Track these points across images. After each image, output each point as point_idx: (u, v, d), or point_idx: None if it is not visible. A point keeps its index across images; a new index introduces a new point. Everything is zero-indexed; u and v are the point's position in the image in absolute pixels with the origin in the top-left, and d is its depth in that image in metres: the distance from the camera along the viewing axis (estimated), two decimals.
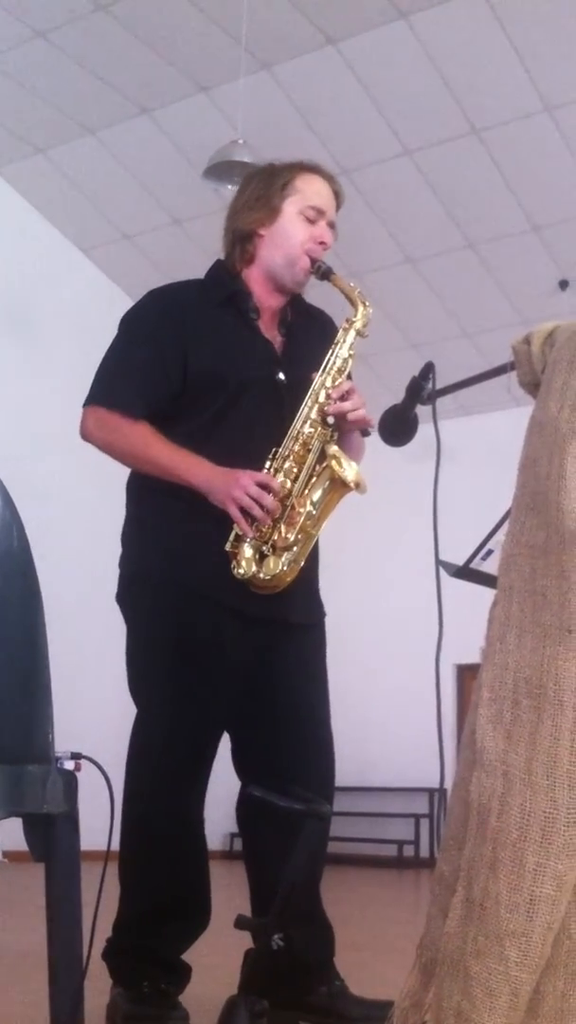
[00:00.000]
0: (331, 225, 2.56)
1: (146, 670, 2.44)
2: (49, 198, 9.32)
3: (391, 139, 7.95)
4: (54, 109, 8.35)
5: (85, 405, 2.47)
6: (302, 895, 2.25)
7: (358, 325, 2.49)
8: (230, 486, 2.31)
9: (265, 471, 2.36)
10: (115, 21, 7.39)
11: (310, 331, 2.60)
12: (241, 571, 2.32)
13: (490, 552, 2.18)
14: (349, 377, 2.50)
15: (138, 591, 2.46)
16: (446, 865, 1.46)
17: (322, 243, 2.52)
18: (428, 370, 2.23)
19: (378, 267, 8.85)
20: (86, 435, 2.47)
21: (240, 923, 2.07)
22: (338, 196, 2.59)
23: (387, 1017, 1.52)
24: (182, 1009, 2.28)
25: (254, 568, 2.33)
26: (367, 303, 2.51)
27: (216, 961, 2.53)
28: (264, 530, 2.34)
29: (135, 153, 8.66)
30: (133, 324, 2.53)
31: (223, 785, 2.46)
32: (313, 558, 2.47)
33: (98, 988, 2.26)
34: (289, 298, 2.59)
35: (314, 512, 2.37)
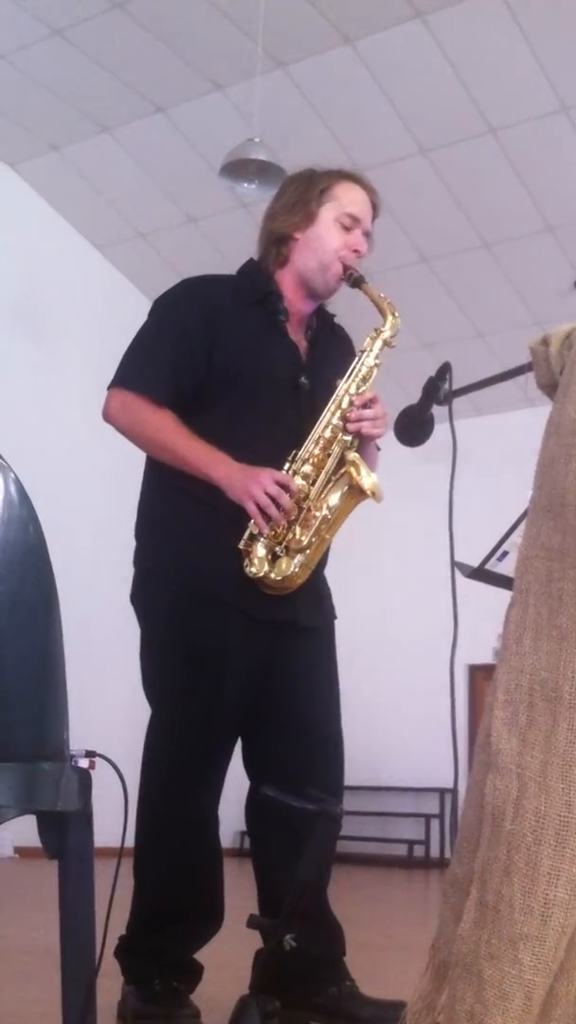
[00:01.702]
0: (366, 234, 2.56)
1: (158, 670, 2.45)
2: (64, 195, 9.34)
3: (406, 138, 7.94)
4: (70, 107, 8.37)
5: (110, 387, 2.48)
6: (313, 895, 2.26)
7: (386, 335, 2.50)
8: (249, 482, 2.31)
9: (284, 472, 2.36)
10: (131, 19, 7.40)
11: (332, 342, 2.62)
12: (253, 570, 2.33)
13: (505, 554, 2.18)
14: None
15: (151, 590, 2.47)
16: (460, 867, 1.46)
17: (356, 251, 2.53)
18: (445, 370, 2.24)
19: (392, 266, 8.84)
20: (108, 417, 2.47)
21: (252, 922, 2.07)
22: (375, 207, 2.60)
23: (399, 1018, 1.52)
24: (193, 1007, 2.28)
25: (266, 568, 2.33)
26: (396, 313, 2.51)
27: (227, 960, 2.54)
28: (279, 531, 2.34)
29: (151, 151, 8.67)
30: (164, 310, 2.53)
31: (233, 784, 2.46)
32: (321, 562, 2.47)
33: (110, 986, 2.27)
34: (317, 306, 2.60)
35: (329, 516, 2.38)
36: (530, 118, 7.56)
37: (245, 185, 6.59)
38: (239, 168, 6.47)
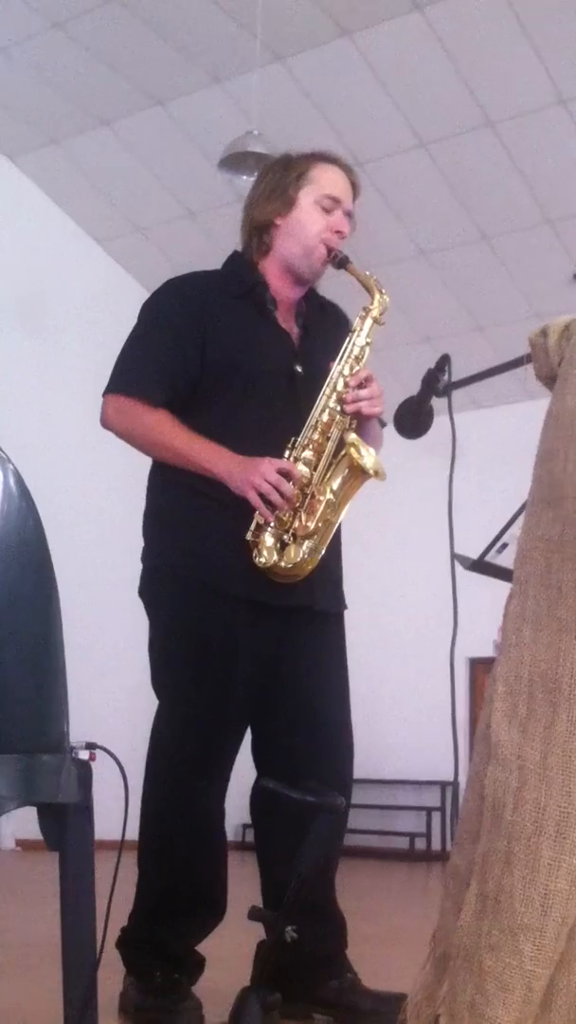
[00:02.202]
0: (348, 215, 2.55)
1: (165, 664, 2.45)
2: (63, 189, 9.32)
3: (405, 131, 7.92)
4: (69, 100, 8.35)
5: (105, 393, 2.48)
6: (315, 888, 2.26)
7: (375, 313, 2.50)
8: (249, 473, 2.31)
9: (285, 459, 2.36)
10: (130, 12, 7.38)
11: (324, 324, 2.61)
12: (263, 559, 2.32)
13: (505, 545, 2.18)
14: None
15: (158, 586, 2.47)
16: (460, 859, 1.46)
17: (339, 232, 2.52)
18: (444, 362, 2.23)
19: (391, 259, 8.83)
20: (106, 423, 2.47)
21: (254, 914, 2.07)
22: (355, 186, 2.58)
23: (399, 1010, 1.52)
24: (195, 1000, 2.28)
25: (275, 557, 2.33)
26: (383, 291, 2.51)
27: (229, 952, 2.54)
28: (284, 518, 2.34)
29: (149, 144, 8.66)
30: (152, 313, 2.53)
31: (236, 776, 2.46)
32: (335, 547, 2.47)
33: (111, 978, 2.27)
34: (305, 290, 2.59)
35: (334, 500, 2.38)
36: (528, 111, 7.55)
37: (244, 178, 6.57)
38: (238, 161, 6.46)
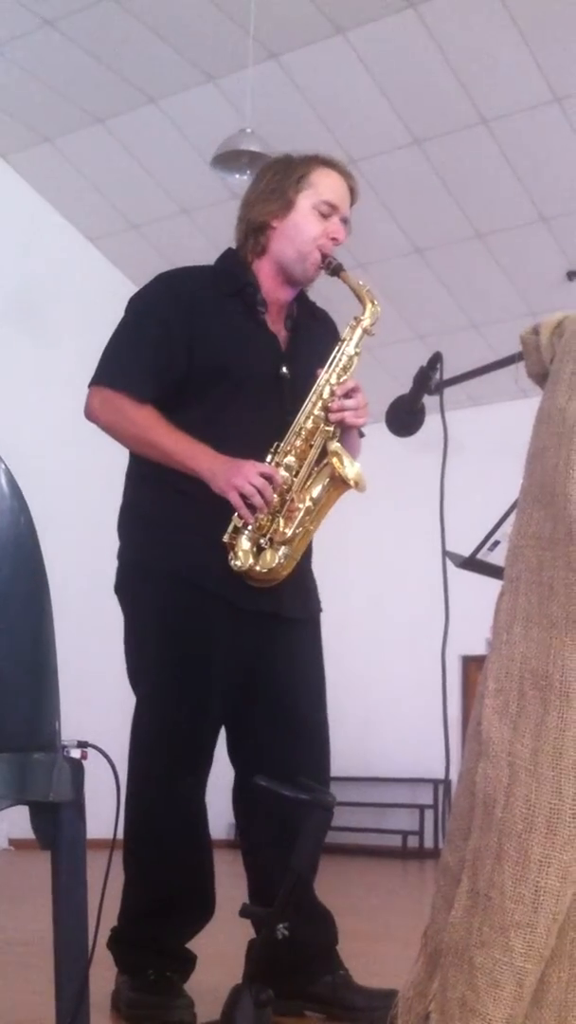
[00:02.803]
0: (344, 221, 2.55)
1: (141, 660, 2.45)
2: (57, 187, 9.31)
3: (399, 129, 7.92)
4: (62, 98, 8.34)
5: (91, 384, 2.47)
6: (306, 885, 2.26)
7: (366, 323, 2.49)
8: (232, 474, 2.31)
9: (267, 464, 2.36)
10: (123, 10, 7.37)
11: (314, 330, 2.60)
12: (238, 563, 2.33)
13: (497, 543, 2.18)
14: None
15: (133, 580, 2.47)
16: (451, 856, 1.46)
17: (334, 239, 2.51)
18: (436, 360, 2.23)
19: (385, 257, 8.83)
20: (90, 415, 2.47)
21: (245, 912, 2.07)
22: (353, 192, 2.58)
23: (391, 1007, 1.53)
24: (187, 997, 2.28)
25: (251, 561, 2.33)
26: (376, 301, 2.50)
27: (221, 950, 2.54)
28: (263, 522, 2.34)
29: (143, 142, 8.65)
30: (140, 306, 2.52)
31: (226, 775, 2.46)
32: (306, 554, 2.47)
33: (103, 976, 2.27)
34: (297, 293, 2.59)
35: (312, 507, 2.38)
36: (523, 108, 7.56)
37: (237, 176, 6.58)
38: (231, 159, 6.46)
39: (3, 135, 8.83)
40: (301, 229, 2.50)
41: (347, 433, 2.48)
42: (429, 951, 1.48)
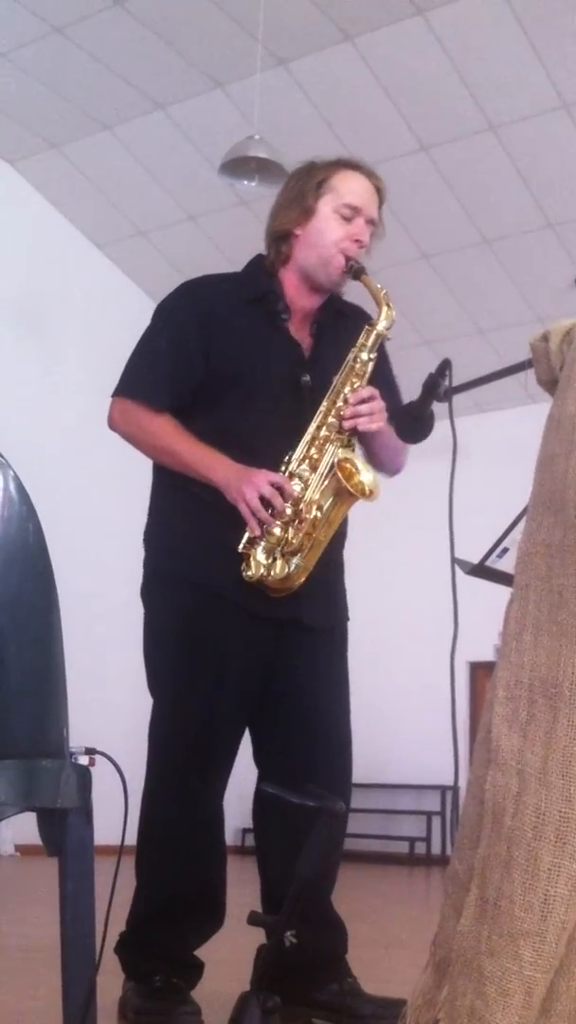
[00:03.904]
0: (371, 222, 2.52)
1: (159, 666, 2.45)
2: (64, 193, 9.33)
3: (407, 135, 7.93)
4: (70, 104, 8.36)
5: (112, 396, 2.50)
6: (316, 892, 2.25)
7: (380, 327, 2.47)
8: (243, 484, 2.31)
9: (280, 473, 2.36)
10: (131, 17, 7.39)
11: (342, 332, 2.55)
12: (250, 573, 2.33)
13: (506, 550, 2.18)
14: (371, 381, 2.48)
15: (156, 588, 2.48)
16: (460, 864, 1.46)
17: (358, 241, 2.49)
18: (445, 367, 2.23)
19: (393, 263, 8.83)
20: (112, 425, 2.50)
21: (253, 919, 2.07)
22: (380, 192, 2.54)
23: (399, 1015, 1.52)
24: (194, 1004, 2.28)
25: (263, 571, 2.33)
26: (391, 305, 2.48)
27: (229, 957, 2.53)
28: (277, 533, 2.34)
29: (151, 149, 8.66)
30: (162, 315, 2.54)
31: (234, 781, 2.46)
32: (336, 561, 2.47)
33: (111, 983, 2.27)
34: (325, 299, 2.57)
35: (322, 518, 2.37)
36: (530, 115, 7.56)
37: (245, 182, 6.58)
38: (239, 165, 6.46)
39: (11, 141, 8.85)
40: (323, 234, 2.48)
41: (378, 438, 2.46)
42: (438, 959, 1.47)
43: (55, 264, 9.31)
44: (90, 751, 1.51)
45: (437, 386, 2.23)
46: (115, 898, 1.62)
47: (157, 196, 9.08)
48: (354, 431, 2.41)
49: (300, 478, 2.37)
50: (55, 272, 9.28)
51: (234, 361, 2.43)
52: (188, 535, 2.43)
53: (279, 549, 2.34)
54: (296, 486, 2.36)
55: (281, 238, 2.53)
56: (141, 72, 7.96)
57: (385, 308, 2.48)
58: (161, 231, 9.43)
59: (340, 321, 2.59)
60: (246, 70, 7.41)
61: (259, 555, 2.34)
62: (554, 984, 1.37)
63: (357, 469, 2.38)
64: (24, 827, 1.72)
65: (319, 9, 7.11)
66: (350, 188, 2.50)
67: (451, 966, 1.42)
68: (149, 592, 2.50)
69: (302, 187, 2.51)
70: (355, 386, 2.43)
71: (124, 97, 8.19)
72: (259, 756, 2.49)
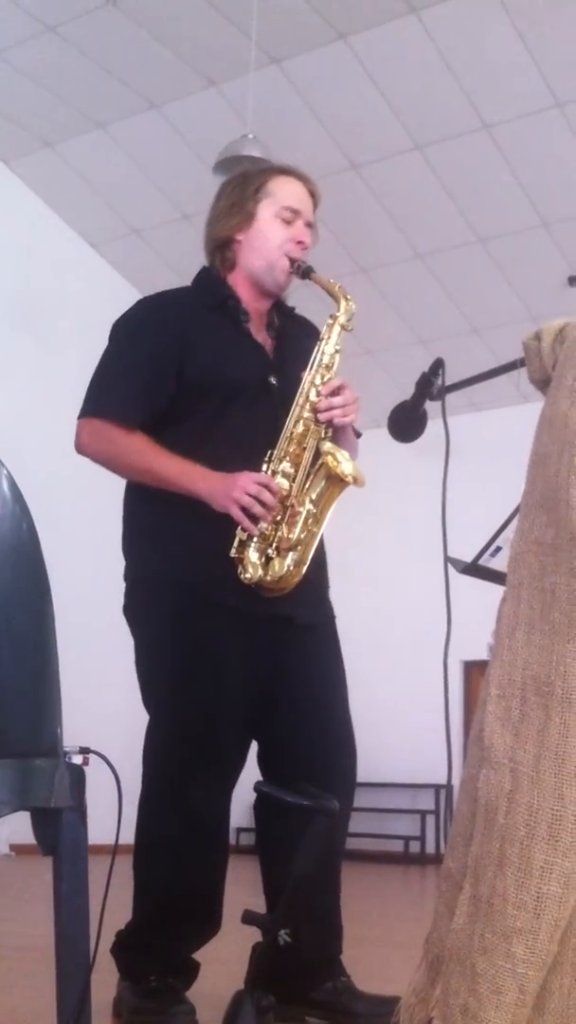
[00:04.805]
0: (309, 225, 2.55)
1: (153, 675, 2.43)
2: (58, 192, 9.32)
3: (401, 134, 7.93)
4: (63, 103, 8.35)
5: (79, 418, 2.46)
6: (314, 891, 2.25)
7: (342, 320, 2.49)
8: (230, 488, 2.31)
9: (263, 473, 2.36)
10: (125, 15, 7.39)
11: (298, 336, 2.60)
12: (248, 575, 2.32)
13: (499, 549, 2.18)
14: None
15: (143, 599, 2.45)
16: (453, 862, 1.46)
17: (300, 243, 2.52)
18: (438, 366, 2.23)
19: (387, 262, 8.84)
20: (81, 448, 2.46)
21: (247, 918, 2.07)
22: (314, 196, 2.58)
23: (393, 1013, 1.52)
24: (188, 1004, 2.28)
25: (260, 572, 2.33)
26: (349, 297, 2.50)
27: (223, 956, 2.54)
28: (267, 532, 2.33)
29: (145, 148, 8.66)
30: (123, 332, 2.51)
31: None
32: (319, 560, 2.47)
33: (106, 982, 2.27)
34: (274, 301, 2.60)
35: (314, 510, 2.37)
36: (524, 114, 7.56)
37: None
38: (233, 164, 6.44)
39: (5, 140, 8.84)
40: (266, 238, 2.51)
41: (342, 434, 2.47)
42: (431, 957, 1.47)
43: (49, 263, 9.30)
44: (84, 751, 1.51)
45: (430, 385, 2.23)
46: (109, 897, 1.62)
47: (151, 195, 9.07)
48: (330, 423, 2.42)
49: (284, 475, 2.38)
50: (49, 271, 9.27)
51: (209, 370, 2.42)
52: (174, 540, 2.41)
53: (274, 547, 2.34)
54: (282, 482, 2.36)
55: (224, 245, 2.55)
56: (135, 71, 7.96)
57: (343, 301, 2.50)
58: (155, 230, 9.43)
59: (294, 326, 2.62)
60: (240, 69, 7.40)
61: (252, 556, 2.33)
62: (547, 982, 1.37)
63: (340, 459, 2.38)
64: (18, 826, 1.72)
65: (312, 8, 7.11)
66: (288, 191, 2.54)
67: (445, 964, 1.42)
68: (135, 603, 2.47)
69: (240, 194, 2.53)
70: (325, 379, 2.44)
71: (118, 96, 8.18)
72: (265, 755, 2.47)
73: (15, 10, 7.41)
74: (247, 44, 7.09)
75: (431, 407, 2.28)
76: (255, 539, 2.33)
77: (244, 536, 2.33)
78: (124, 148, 8.71)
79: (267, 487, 2.32)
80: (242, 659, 2.37)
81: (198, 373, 2.42)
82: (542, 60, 7.14)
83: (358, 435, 2.56)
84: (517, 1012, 1.34)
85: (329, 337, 2.47)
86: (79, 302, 9.30)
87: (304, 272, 2.51)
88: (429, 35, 7.14)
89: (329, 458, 2.37)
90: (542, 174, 8.00)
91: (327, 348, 2.47)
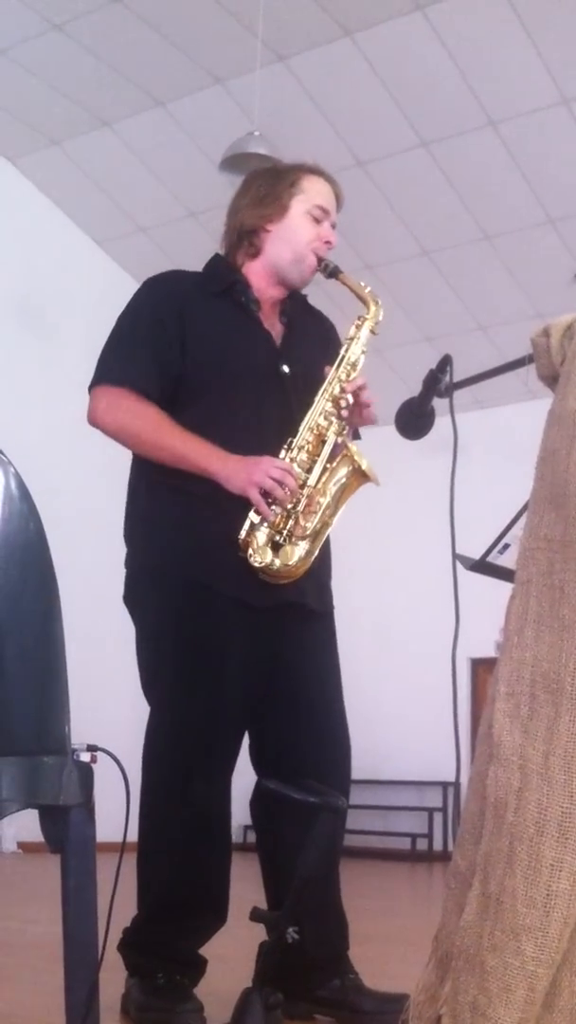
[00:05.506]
0: (333, 226, 2.59)
1: (155, 667, 2.43)
2: (64, 190, 9.33)
3: (407, 131, 7.92)
4: (69, 101, 8.36)
5: (93, 387, 2.45)
6: (317, 888, 2.25)
7: (371, 323, 2.52)
8: (251, 471, 2.31)
9: (282, 459, 2.37)
10: (131, 13, 7.39)
11: (310, 328, 2.62)
12: (257, 560, 2.32)
13: (507, 546, 2.17)
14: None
15: (144, 588, 2.45)
16: (462, 859, 1.46)
17: (328, 243, 2.55)
18: (445, 363, 2.23)
19: (393, 259, 8.83)
20: (95, 419, 2.44)
21: (255, 916, 2.07)
22: (339, 198, 2.62)
23: (402, 1010, 1.52)
24: (196, 1001, 2.28)
25: (269, 557, 2.33)
26: (379, 302, 2.54)
27: (231, 953, 2.54)
28: (278, 520, 2.34)
29: (151, 145, 8.66)
30: (134, 308, 2.53)
31: (236, 778, 2.45)
32: (325, 550, 2.47)
33: (113, 979, 2.27)
34: (289, 291, 2.61)
35: (330, 501, 2.39)
36: (531, 110, 7.55)
37: None
38: (239, 162, 6.45)
39: (11, 138, 8.84)
40: (297, 233, 2.53)
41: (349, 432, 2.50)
42: (440, 955, 1.47)
43: (55, 261, 9.31)
44: (92, 748, 1.51)
45: (438, 382, 2.23)
46: (117, 894, 1.62)
47: (157, 193, 9.07)
48: (350, 420, 2.45)
49: (300, 465, 2.39)
50: (55, 269, 9.27)
51: (211, 352, 2.43)
52: (175, 530, 2.41)
53: (285, 535, 2.35)
54: (298, 472, 2.37)
55: (251, 233, 2.56)
56: (141, 69, 7.96)
57: (373, 306, 2.54)
58: (161, 228, 9.43)
59: (308, 319, 2.64)
60: (246, 66, 7.40)
61: (262, 541, 2.33)
62: (556, 979, 1.37)
63: (359, 456, 2.41)
64: (26, 824, 1.72)
65: (318, 5, 7.10)
66: (318, 191, 2.57)
67: (453, 962, 1.42)
68: (136, 592, 2.47)
69: (273, 186, 2.56)
70: (350, 376, 2.47)
71: (124, 94, 8.19)
72: (259, 749, 2.48)
73: (21, 8, 7.41)
74: (253, 41, 7.09)
75: (438, 404, 2.28)
76: (267, 524, 2.33)
77: (256, 520, 2.33)
78: (130, 146, 8.71)
79: (288, 473, 2.32)
80: (245, 652, 2.37)
81: (202, 354, 2.43)
82: (549, 57, 7.13)
83: (357, 437, 2.58)
84: (527, 1009, 1.34)
85: (358, 337, 2.51)
86: (85, 300, 9.30)
87: (332, 272, 2.54)
88: (436, 32, 7.13)
89: (354, 453, 2.39)
90: (549, 171, 7.99)
91: (355, 348, 2.50)
